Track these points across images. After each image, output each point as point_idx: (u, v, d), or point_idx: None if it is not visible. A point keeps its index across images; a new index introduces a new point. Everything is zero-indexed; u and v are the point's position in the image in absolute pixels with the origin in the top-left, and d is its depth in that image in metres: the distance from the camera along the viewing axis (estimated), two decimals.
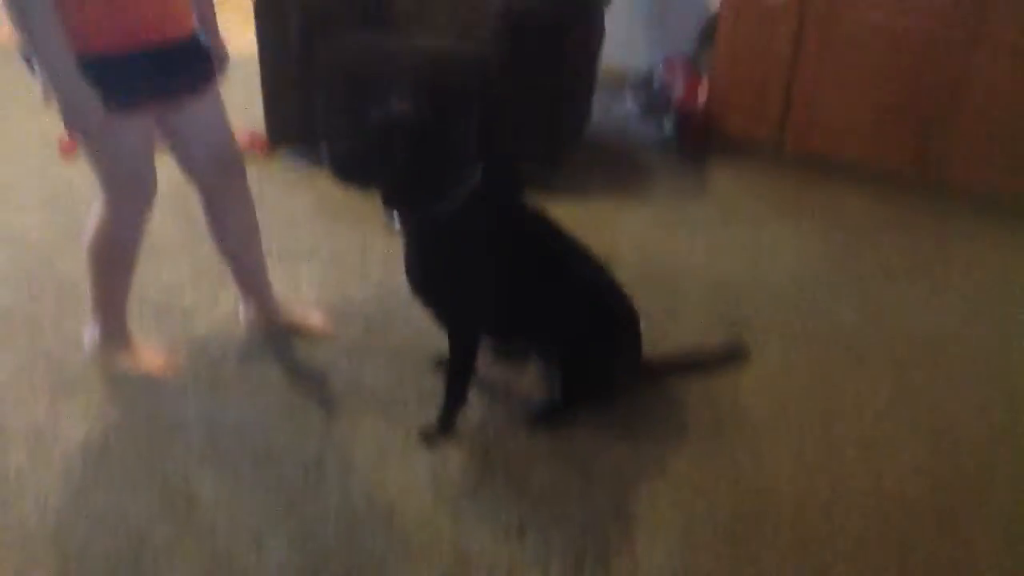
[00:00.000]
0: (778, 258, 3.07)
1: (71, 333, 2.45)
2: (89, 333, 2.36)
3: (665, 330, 2.60)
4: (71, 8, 1.80)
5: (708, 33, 4.02)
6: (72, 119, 1.84)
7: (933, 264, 3.08)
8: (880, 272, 3.00)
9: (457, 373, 2.18)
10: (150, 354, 2.38)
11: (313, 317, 2.56)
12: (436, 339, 2.43)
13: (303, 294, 2.70)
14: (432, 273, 2.11)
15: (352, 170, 2.02)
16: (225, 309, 2.61)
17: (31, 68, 1.89)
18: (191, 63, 2.06)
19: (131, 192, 2.09)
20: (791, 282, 2.92)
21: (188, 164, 2.20)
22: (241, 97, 4.06)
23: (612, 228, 3.22)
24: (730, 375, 2.41)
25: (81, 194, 3.22)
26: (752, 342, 2.54)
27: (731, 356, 2.45)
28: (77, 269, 2.74)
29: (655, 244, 3.13)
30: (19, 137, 3.67)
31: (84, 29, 1.83)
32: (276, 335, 2.50)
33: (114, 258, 2.23)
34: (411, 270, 2.14)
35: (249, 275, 2.46)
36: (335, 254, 2.93)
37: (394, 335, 2.53)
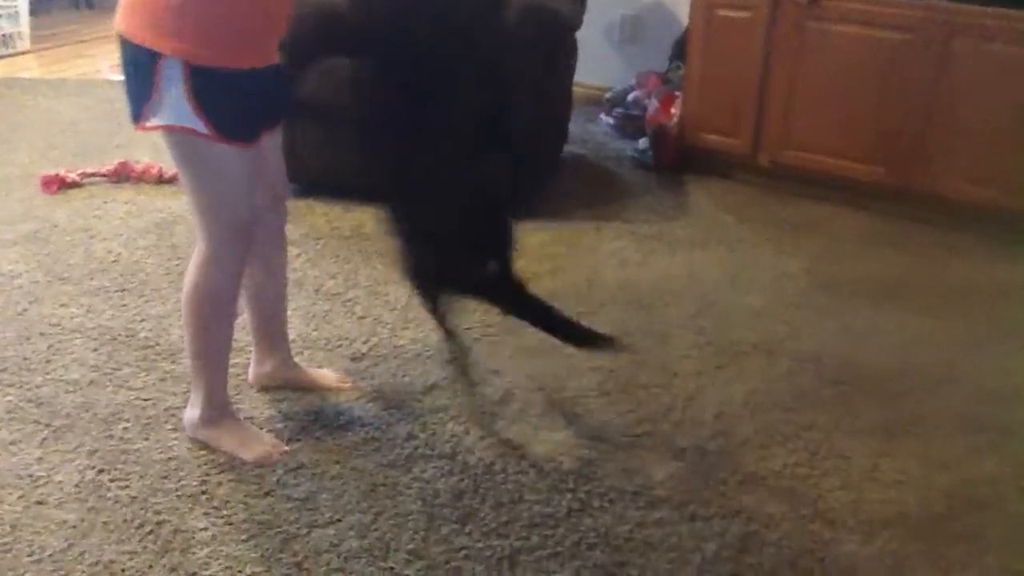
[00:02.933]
0: (757, 276, 3.12)
1: (61, 374, 2.47)
2: (189, 410, 2.24)
3: (648, 350, 2.65)
4: (236, 23, 1.89)
5: (680, 49, 4.07)
6: None
7: (910, 280, 3.14)
8: (859, 290, 3.05)
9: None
10: (254, 436, 2.24)
11: (327, 374, 2.49)
12: (423, 370, 2.48)
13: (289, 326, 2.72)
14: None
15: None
16: None
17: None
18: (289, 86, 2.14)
19: (234, 231, 2.05)
20: (771, 301, 2.97)
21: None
22: None
23: (592, 249, 3.27)
24: (714, 395, 2.46)
25: (66, 232, 3.24)
26: (734, 361, 2.59)
27: (597, 344, 2.40)
28: (66, 309, 2.77)
29: (635, 264, 3.18)
30: None
31: (244, 41, 1.91)
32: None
33: (218, 309, 2.14)
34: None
35: (270, 325, 2.38)
36: (321, 286, 2.96)
37: (381, 367, 2.56)
